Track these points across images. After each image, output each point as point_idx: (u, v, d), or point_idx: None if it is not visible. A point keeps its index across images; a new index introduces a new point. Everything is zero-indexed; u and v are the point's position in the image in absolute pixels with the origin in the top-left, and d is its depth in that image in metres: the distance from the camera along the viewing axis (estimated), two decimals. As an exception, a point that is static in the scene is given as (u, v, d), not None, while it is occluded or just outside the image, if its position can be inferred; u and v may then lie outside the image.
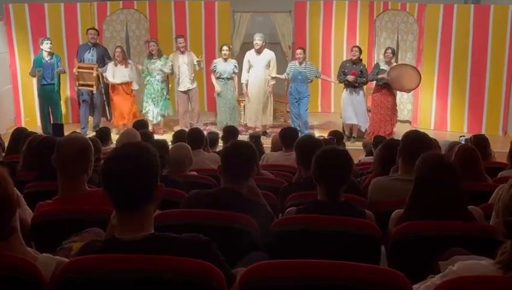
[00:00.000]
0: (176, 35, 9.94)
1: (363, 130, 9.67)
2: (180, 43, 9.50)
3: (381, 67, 9.27)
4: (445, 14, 10.00)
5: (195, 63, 9.55)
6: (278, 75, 9.56)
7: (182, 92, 9.71)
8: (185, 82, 9.62)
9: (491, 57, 9.84)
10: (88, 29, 9.81)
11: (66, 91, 10.52)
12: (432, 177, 2.73)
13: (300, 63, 9.36)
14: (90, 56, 9.66)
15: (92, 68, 9.48)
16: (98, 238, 2.30)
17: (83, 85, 9.59)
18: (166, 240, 1.92)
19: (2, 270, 1.78)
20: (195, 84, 9.77)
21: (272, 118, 9.95)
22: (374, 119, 9.45)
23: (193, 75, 9.71)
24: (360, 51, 9.35)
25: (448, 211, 2.66)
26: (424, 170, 2.78)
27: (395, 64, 9.37)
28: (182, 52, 9.54)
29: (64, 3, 10.56)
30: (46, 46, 9.26)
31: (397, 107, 9.85)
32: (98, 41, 9.87)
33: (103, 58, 9.74)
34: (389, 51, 9.37)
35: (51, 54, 9.36)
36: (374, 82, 9.51)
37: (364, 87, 9.63)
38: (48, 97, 9.49)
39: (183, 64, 9.54)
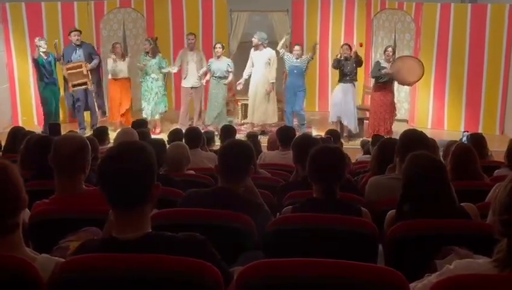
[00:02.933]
0: (188, 33, 10.01)
1: (353, 130, 9.64)
2: (190, 39, 9.65)
3: (381, 65, 9.26)
4: (442, 13, 10.01)
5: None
6: (280, 45, 9.55)
7: (186, 87, 9.75)
8: (191, 79, 9.70)
9: (488, 55, 9.86)
10: (71, 31, 9.63)
11: (62, 93, 10.48)
12: (419, 176, 2.74)
13: (297, 58, 9.43)
14: (78, 56, 9.56)
15: (80, 66, 9.40)
16: (94, 237, 2.30)
17: (76, 85, 9.53)
18: (162, 239, 1.92)
19: (2, 271, 1.78)
20: (201, 83, 9.80)
21: (275, 116, 9.89)
22: (374, 118, 9.42)
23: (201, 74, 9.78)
24: (350, 48, 9.34)
25: (438, 209, 2.66)
26: (410, 169, 2.78)
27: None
28: (191, 49, 9.63)
29: (61, 2, 10.54)
30: (42, 48, 9.26)
31: (395, 105, 9.84)
32: (82, 40, 9.71)
33: (90, 56, 9.69)
34: (390, 49, 9.39)
35: (47, 53, 9.35)
36: (373, 80, 9.49)
37: (357, 86, 9.61)
38: (54, 95, 9.54)
39: (192, 61, 9.63)
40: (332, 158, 2.95)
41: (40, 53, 9.27)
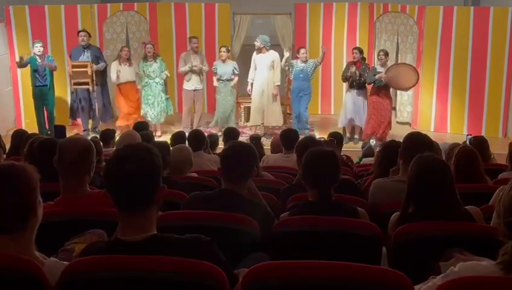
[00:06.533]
0: (190, 36, 10.00)
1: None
2: (195, 43, 9.64)
3: (377, 70, 9.23)
4: (445, 16, 10.00)
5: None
6: (283, 64, 9.58)
7: (188, 90, 9.79)
8: (194, 82, 9.74)
9: (490, 58, 9.85)
10: (79, 32, 9.73)
11: (67, 93, 10.49)
12: (425, 178, 2.74)
13: (302, 62, 9.44)
14: (86, 58, 9.63)
15: (85, 66, 9.44)
16: (100, 239, 2.31)
17: (78, 84, 9.57)
18: (168, 241, 1.92)
19: (9, 272, 1.80)
20: (202, 86, 9.88)
21: (281, 119, 9.89)
22: (371, 120, 9.40)
23: (203, 76, 9.83)
24: (360, 52, 9.35)
25: (443, 211, 2.66)
26: (417, 170, 2.79)
27: (389, 65, 9.33)
28: (195, 52, 9.65)
29: (64, 5, 10.58)
30: (36, 49, 9.28)
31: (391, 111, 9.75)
32: (90, 43, 9.80)
33: (97, 59, 9.74)
34: (381, 53, 9.30)
35: (42, 56, 9.36)
36: (372, 84, 9.47)
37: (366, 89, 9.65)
38: (43, 98, 9.52)
39: (195, 63, 9.61)
40: (324, 164, 2.96)
41: (36, 56, 9.28)
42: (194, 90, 9.78)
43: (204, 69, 9.76)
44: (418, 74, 9.16)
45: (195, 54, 9.69)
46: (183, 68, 9.63)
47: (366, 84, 9.42)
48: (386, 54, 9.35)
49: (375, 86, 9.24)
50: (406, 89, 9.63)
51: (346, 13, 11.29)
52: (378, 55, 9.39)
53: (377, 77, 9.09)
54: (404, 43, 10.70)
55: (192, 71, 9.61)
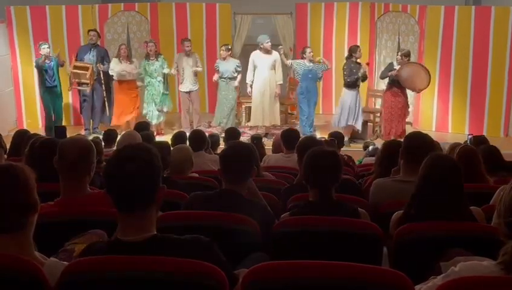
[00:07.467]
0: (183, 38, 10.00)
1: (359, 131, 9.65)
2: (187, 46, 9.64)
3: (394, 67, 9.15)
4: (446, 16, 10.00)
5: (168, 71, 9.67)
6: (285, 60, 9.58)
7: (183, 92, 9.82)
8: (187, 83, 9.75)
9: (492, 58, 9.83)
10: (89, 30, 9.82)
11: (68, 93, 10.49)
12: (438, 178, 2.72)
13: (309, 62, 9.35)
14: (91, 57, 9.66)
15: (86, 68, 9.43)
16: (100, 239, 2.30)
17: (78, 84, 9.57)
18: (168, 241, 1.92)
19: (9, 272, 1.80)
20: (197, 87, 9.86)
21: (279, 119, 9.89)
22: (385, 118, 9.34)
23: (196, 77, 9.84)
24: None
25: (451, 211, 2.65)
26: (430, 169, 2.77)
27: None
28: (188, 55, 9.65)
29: (65, 6, 10.58)
30: (43, 50, 9.28)
31: (409, 109, 9.70)
32: (98, 43, 9.88)
33: (103, 60, 9.76)
34: (399, 54, 9.22)
35: (49, 57, 9.38)
36: (387, 80, 9.39)
37: (361, 89, 9.63)
38: (53, 100, 9.57)
39: (187, 66, 9.66)
40: (325, 164, 2.95)
41: (43, 58, 9.30)
42: (189, 92, 9.78)
43: (198, 70, 9.81)
44: (430, 77, 9.08)
45: (187, 57, 9.69)
46: (167, 70, 9.67)
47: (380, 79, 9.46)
48: (406, 55, 9.13)
49: (389, 81, 9.19)
50: (418, 90, 9.50)
51: (347, 13, 11.28)
52: (397, 55, 9.33)
53: (389, 74, 9.04)
54: (405, 42, 10.68)
55: (184, 73, 9.64)
